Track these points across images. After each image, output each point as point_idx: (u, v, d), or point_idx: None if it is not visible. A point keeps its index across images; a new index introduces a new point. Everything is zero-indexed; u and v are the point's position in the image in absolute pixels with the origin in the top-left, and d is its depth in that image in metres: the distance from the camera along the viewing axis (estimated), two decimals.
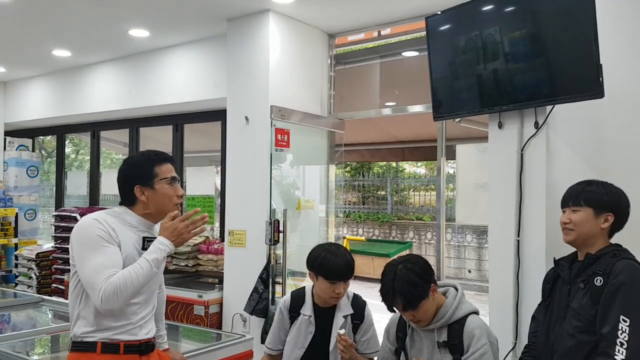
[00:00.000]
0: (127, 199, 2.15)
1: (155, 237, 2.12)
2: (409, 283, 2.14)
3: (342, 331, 2.43)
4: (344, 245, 7.62)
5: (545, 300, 2.23)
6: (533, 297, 2.62)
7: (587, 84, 2.52)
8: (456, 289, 2.29)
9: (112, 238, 2.01)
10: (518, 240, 2.83)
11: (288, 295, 2.74)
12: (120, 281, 1.93)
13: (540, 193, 2.77)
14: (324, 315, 2.58)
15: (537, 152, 2.79)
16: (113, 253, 1.99)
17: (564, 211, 2.21)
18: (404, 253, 10.94)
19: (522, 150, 2.84)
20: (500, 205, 2.92)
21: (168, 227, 2.07)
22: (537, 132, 2.79)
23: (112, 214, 2.12)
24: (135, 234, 2.12)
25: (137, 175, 2.12)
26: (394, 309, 2.22)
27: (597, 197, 2.11)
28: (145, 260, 2.00)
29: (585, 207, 2.11)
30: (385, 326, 2.48)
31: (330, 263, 2.46)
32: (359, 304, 2.63)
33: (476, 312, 2.24)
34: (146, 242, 2.11)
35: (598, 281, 2.00)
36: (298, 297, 2.67)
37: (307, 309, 2.60)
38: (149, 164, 2.14)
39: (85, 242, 2.00)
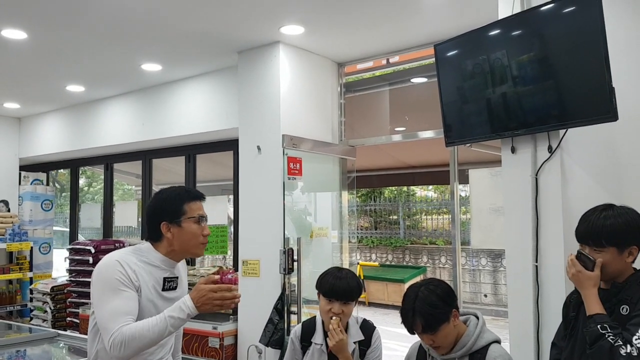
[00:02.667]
0: (153, 233, 2.12)
1: (176, 277, 2.12)
2: (430, 304, 2.11)
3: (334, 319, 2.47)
4: (357, 271, 7.52)
5: (568, 328, 2.18)
6: (554, 324, 2.56)
7: (600, 107, 2.51)
8: (477, 318, 2.25)
9: (131, 282, 1.98)
10: (536, 266, 2.79)
11: (299, 326, 2.76)
12: (131, 333, 1.88)
13: (557, 217, 2.74)
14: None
15: (551, 177, 2.77)
16: (129, 298, 1.96)
17: (582, 246, 2.08)
18: (418, 278, 10.89)
19: (536, 175, 2.82)
20: (516, 231, 2.89)
21: (199, 291, 1.98)
22: (550, 156, 2.77)
23: (135, 252, 2.09)
24: (157, 273, 2.08)
25: (165, 211, 2.09)
26: (414, 331, 2.18)
27: (618, 234, 1.98)
28: (164, 318, 1.93)
29: (608, 247, 1.99)
30: (405, 355, 2.44)
31: (330, 282, 2.54)
32: (367, 329, 2.64)
33: (498, 341, 2.21)
34: (166, 283, 2.09)
35: (624, 310, 1.94)
36: (309, 326, 2.69)
37: (318, 338, 2.61)
38: (178, 200, 2.11)
39: (104, 283, 1.97)
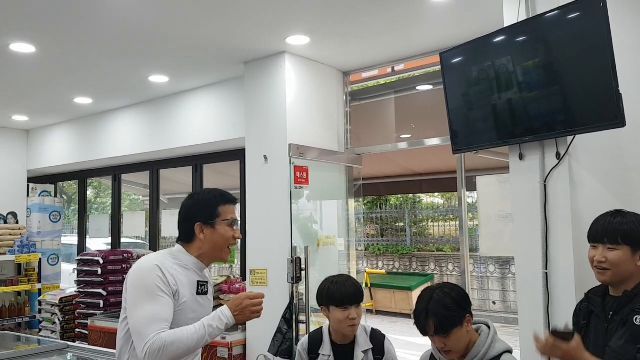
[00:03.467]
0: (185, 234, 2.14)
1: (206, 281, 2.14)
2: (444, 306, 2.11)
3: None
4: (364, 279, 7.50)
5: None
6: None
7: (607, 113, 2.51)
8: (488, 327, 2.24)
9: (169, 287, 1.98)
10: (546, 273, 2.78)
11: (306, 337, 2.75)
12: (169, 339, 1.87)
13: (566, 224, 2.73)
14: (343, 353, 2.56)
15: (560, 183, 2.77)
16: (166, 305, 1.95)
17: (594, 246, 2.09)
18: (425, 286, 10.83)
19: (545, 181, 2.82)
20: (526, 238, 2.88)
21: (235, 299, 2.03)
22: (559, 162, 2.77)
23: (171, 255, 2.10)
24: (191, 276, 2.10)
25: (200, 213, 2.12)
26: (426, 332, 2.16)
27: (634, 234, 1.99)
28: (203, 326, 1.94)
29: (622, 246, 2.00)
30: None
31: (338, 290, 2.53)
32: (377, 338, 2.63)
33: (510, 351, 2.19)
34: (199, 287, 2.11)
35: (638, 320, 1.92)
36: (315, 338, 2.67)
37: (325, 349, 2.60)
38: (213, 203, 2.14)
39: (142, 287, 1.96)
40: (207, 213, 2.12)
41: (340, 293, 2.52)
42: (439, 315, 2.10)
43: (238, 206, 2.31)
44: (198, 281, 2.10)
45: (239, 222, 2.24)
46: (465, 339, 2.15)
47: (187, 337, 1.90)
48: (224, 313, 1.99)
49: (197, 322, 1.96)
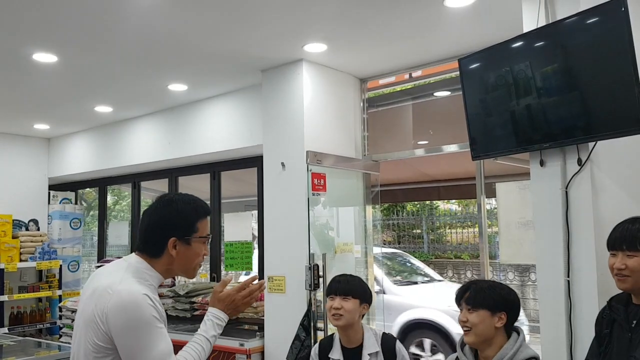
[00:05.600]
0: (153, 247, 1.86)
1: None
2: (490, 286, 2.24)
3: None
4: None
5: (602, 345, 2.13)
6: (587, 340, 2.50)
7: (629, 119, 2.48)
8: (518, 333, 2.24)
9: (161, 315, 1.77)
10: (568, 281, 2.75)
11: (318, 343, 2.85)
12: None
13: (588, 231, 2.69)
14: (353, 357, 2.62)
15: (582, 190, 2.74)
16: (166, 335, 1.76)
17: (613, 254, 2.07)
18: None
19: (566, 188, 2.79)
20: (547, 245, 2.85)
21: (224, 299, 1.90)
22: (580, 169, 2.74)
23: (138, 278, 1.80)
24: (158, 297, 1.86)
25: (178, 226, 1.86)
26: (460, 301, 2.27)
27: None
28: (206, 340, 1.84)
29: None
30: None
31: (331, 281, 2.76)
32: (388, 342, 2.68)
33: (537, 358, 2.18)
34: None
35: None
36: (326, 342, 2.77)
37: (335, 353, 2.67)
38: (193, 216, 1.89)
39: (141, 326, 1.69)
40: (185, 227, 1.86)
41: (331, 283, 2.71)
42: (480, 289, 2.22)
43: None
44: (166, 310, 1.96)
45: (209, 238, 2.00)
46: (488, 329, 2.17)
47: (198, 355, 1.81)
48: (219, 317, 1.89)
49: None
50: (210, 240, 2.00)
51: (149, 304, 1.72)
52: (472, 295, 2.21)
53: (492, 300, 2.18)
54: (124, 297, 1.72)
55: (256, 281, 2.01)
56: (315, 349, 2.77)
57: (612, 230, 2.11)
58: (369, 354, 2.59)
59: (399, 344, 2.69)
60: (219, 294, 1.93)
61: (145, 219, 1.92)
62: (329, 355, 2.67)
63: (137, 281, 1.79)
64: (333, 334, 2.77)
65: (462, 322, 2.22)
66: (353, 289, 2.65)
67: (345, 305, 2.59)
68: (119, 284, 1.75)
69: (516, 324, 2.29)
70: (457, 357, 2.34)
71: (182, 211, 1.88)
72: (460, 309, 2.25)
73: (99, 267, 5.99)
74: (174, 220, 1.87)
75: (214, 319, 1.89)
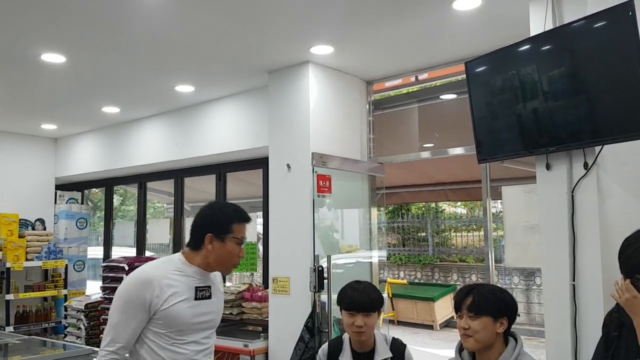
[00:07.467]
0: (195, 241, 2.20)
1: (208, 286, 2.20)
2: (490, 291, 2.19)
3: None
4: (386, 289, 7.44)
5: (611, 349, 2.12)
6: (592, 344, 2.49)
7: (637, 122, 2.47)
8: (516, 340, 2.22)
9: (144, 307, 2.07)
10: (574, 285, 2.74)
11: (326, 344, 2.76)
12: None
13: (594, 235, 2.69)
14: None
15: (588, 193, 2.73)
16: (131, 327, 2.07)
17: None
18: (448, 297, 10.71)
19: (572, 192, 2.79)
20: (553, 249, 2.85)
21: None
22: (586, 172, 2.73)
23: (171, 263, 2.18)
24: (189, 282, 2.16)
25: (215, 225, 2.18)
26: (460, 307, 2.21)
27: None
28: None
29: None
30: None
31: (349, 295, 2.57)
32: (398, 348, 2.62)
33: None
34: (198, 292, 2.16)
35: None
36: (336, 345, 2.69)
37: (345, 356, 2.60)
38: (230, 218, 2.19)
39: (119, 297, 2.10)
40: (221, 226, 2.17)
41: (350, 298, 2.55)
42: (481, 294, 2.16)
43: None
44: (196, 287, 2.16)
45: (245, 242, 2.29)
46: (490, 336, 2.14)
47: None
48: None
49: (200, 324, 2.14)
50: (245, 242, 2.25)
51: (136, 289, 2.07)
52: (476, 302, 2.16)
53: (495, 307, 2.15)
54: (132, 274, 2.15)
55: None
56: (323, 351, 2.69)
57: (625, 248, 2.01)
58: None
59: (408, 351, 2.64)
60: None
61: (194, 219, 2.25)
62: (339, 358, 2.61)
63: (164, 265, 2.16)
64: (342, 335, 2.72)
65: (463, 329, 2.18)
66: (373, 304, 2.54)
67: (368, 322, 2.51)
68: (146, 266, 2.17)
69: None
70: None
71: (221, 213, 2.22)
72: (460, 316, 2.20)
73: (104, 267, 6.06)
74: (212, 219, 2.20)
75: None
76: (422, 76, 4.72)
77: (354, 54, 4.25)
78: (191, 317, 2.12)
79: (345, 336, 2.67)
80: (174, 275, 2.12)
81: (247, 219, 2.26)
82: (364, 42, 4.00)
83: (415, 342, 8.66)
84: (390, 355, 2.57)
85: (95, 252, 7.85)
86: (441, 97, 4.81)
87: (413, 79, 4.80)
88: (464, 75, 3.33)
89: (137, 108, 5.86)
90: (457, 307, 2.23)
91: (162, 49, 4.10)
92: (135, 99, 5.49)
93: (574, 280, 2.75)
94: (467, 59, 3.33)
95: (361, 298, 2.53)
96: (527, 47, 2.94)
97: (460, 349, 2.28)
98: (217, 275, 2.31)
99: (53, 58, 4.27)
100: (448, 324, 10.65)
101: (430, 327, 10.40)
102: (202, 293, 2.17)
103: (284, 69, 4.52)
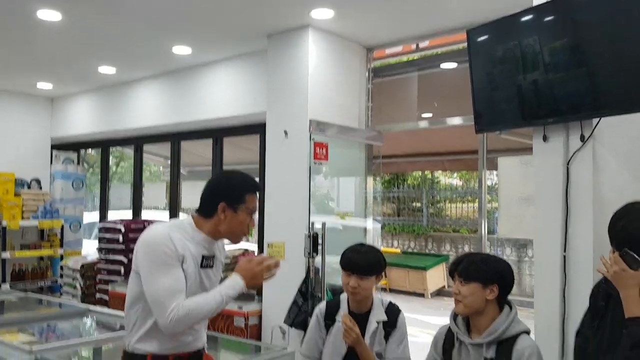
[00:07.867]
0: (207, 209, 2.18)
1: (212, 256, 2.20)
2: (483, 259, 2.26)
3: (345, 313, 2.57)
4: None
5: (597, 318, 2.15)
6: (580, 314, 2.53)
7: (636, 95, 2.46)
8: (510, 308, 2.26)
9: (177, 257, 2.05)
10: (564, 256, 2.77)
11: (324, 303, 2.81)
12: (192, 308, 2.00)
13: (587, 207, 2.71)
14: (359, 322, 2.59)
15: (583, 166, 2.74)
16: (180, 276, 2.04)
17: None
18: (440, 266, 10.85)
19: (568, 164, 2.79)
20: (546, 220, 2.87)
21: (246, 269, 2.14)
22: (583, 145, 2.73)
23: (179, 227, 2.15)
24: (196, 250, 2.15)
25: (229, 194, 2.17)
26: (455, 267, 2.30)
27: None
28: (220, 295, 2.06)
29: None
30: (433, 337, 2.47)
31: (348, 255, 2.62)
32: (392, 311, 2.67)
33: (528, 332, 2.21)
34: (204, 261, 2.17)
35: None
36: (333, 305, 2.74)
37: (342, 316, 2.62)
38: (243, 188, 2.19)
39: (154, 258, 2.04)
40: (234, 196, 2.16)
41: (348, 258, 2.60)
42: (472, 262, 2.24)
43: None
44: (203, 255, 2.16)
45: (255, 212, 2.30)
46: (478, 301, 2.19)
47: (208, 305, 2.04)
48: (238, 282, 2.10)
49: (199, 293, 2.09)
50: (255, 213, 2.25)
51: (166, 244, 2.03)
52: (465, 268, 2.23)
53: (484, 273, 2.20)
54: (147, 234, 2.12)
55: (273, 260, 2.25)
56: (321, 310, 2.73)
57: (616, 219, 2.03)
58: (377, 322, 2.60)
59: (402, 317, 2.68)
60: (243, 264, 2.16)
61: (206, 186, 2.24)
62: (336, 317, 2.65)
63: (174, 228, 2.13)
64: (339, 295, 2.76)
65: (455, 294, 2.26)
66: (370, 268, 2.57)
67: (362, 284, 2.55)
68: (154, 226, 2.14)
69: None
70: (449, 327, 2.37)
71: (234, 182, 2.22)
72: (454, 281, 2.28)
73: (100, 229, 6.08)
74: (226, 187, 2.20)
75: (232, 282, 2.11)
76: (423, 44, 4.67)
77: (355, 19, 4.18)
78: (196, 283, 2.12)
79: (344, 296, 2.71)
80: (186, 240, 2.11)
81: (260, 189, 2.28)
82: (365, 6, 3.93)
83: (407, 310, 8.72)
84: (385, 318, 2.62)
85: (91, 217, 7.87)
86: (441, 65, 4.76)
87: (414, 46, 4.74)
88: (465, 44, 3.29)
89: (133, 68, 5.78)
90: (451, 273, 2.30)
91: (160, 8, 4.02)
92: (132, 59, 5.42)
93: (565, 251, 2.78)
94: (468, 27, 3.28)
95: (359, 259, 2.57)
96: (529, 16, 2.90)
97: (455, 315, 2.33)
98: (221, 247, 2.32)
99: (49, 15, 4.19)
100: (439, 293, 10.82)
101: (421, 295, 10.56)
102: (207, 262, 2.18)
103: (283, 32, 4.46)
